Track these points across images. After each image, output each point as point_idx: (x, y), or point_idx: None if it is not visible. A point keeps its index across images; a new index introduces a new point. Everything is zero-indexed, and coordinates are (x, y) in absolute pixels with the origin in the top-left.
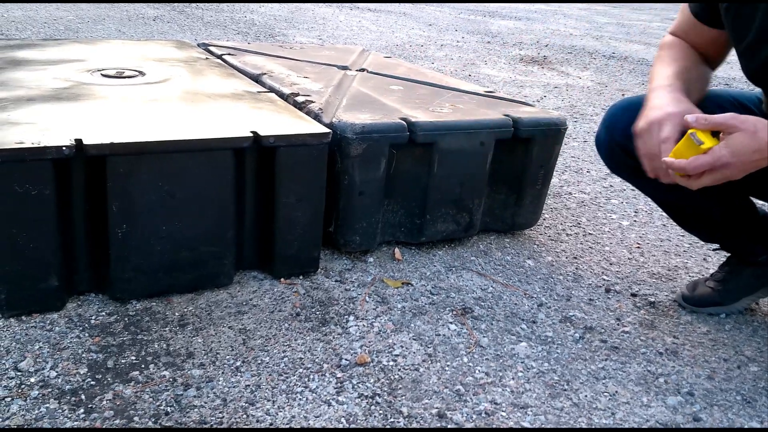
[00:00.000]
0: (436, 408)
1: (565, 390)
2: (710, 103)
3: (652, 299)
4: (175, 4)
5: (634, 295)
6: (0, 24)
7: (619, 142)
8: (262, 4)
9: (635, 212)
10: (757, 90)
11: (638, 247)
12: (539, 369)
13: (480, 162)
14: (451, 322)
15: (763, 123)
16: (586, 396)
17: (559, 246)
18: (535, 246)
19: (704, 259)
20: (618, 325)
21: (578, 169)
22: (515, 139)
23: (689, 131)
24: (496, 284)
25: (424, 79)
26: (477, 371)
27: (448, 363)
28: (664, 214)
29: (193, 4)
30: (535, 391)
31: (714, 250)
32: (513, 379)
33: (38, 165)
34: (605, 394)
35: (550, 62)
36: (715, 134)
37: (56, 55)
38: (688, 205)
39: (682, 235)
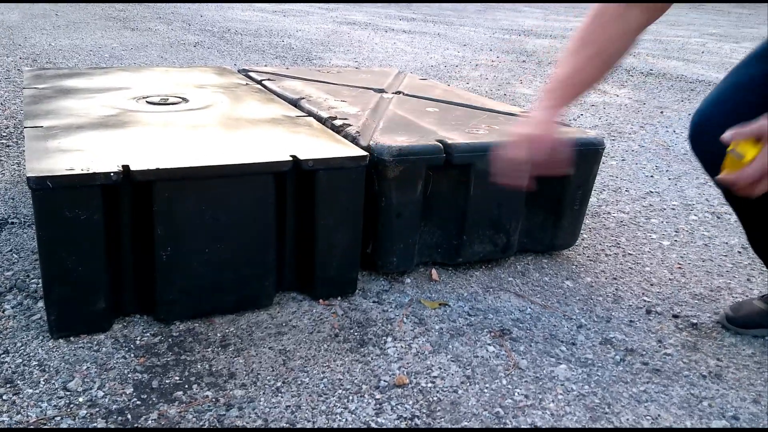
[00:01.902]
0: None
1: (606, 413)
2: (744, 78)
3: (695, 320)
4: (215, 30)
5: (675, 316)
6: (48, 52)
7: (712, 150)
8: (298, 29)
9: (676, 232)
10: None
11: (679, 268)
12: (579, 392)
13: None
14: (489, 344)
15: None
16: (627, 419)
17: (598, 267)
18: (574, 267)
19: (748, 280)
20: (660, 347)
21: (617, 188)
22: None
23: (729, 148)
24: (535, 305)
25: (459, 100)
26: (516, 393)
27: (487, 385)
28: (705, 233)
29: (232, 30)
30: (576, 414)
31: None
32: (553, 401)
33: (87, 190)
34: (647, 417)
35: None
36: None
37: (103, 83)
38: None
39: (725, 255)
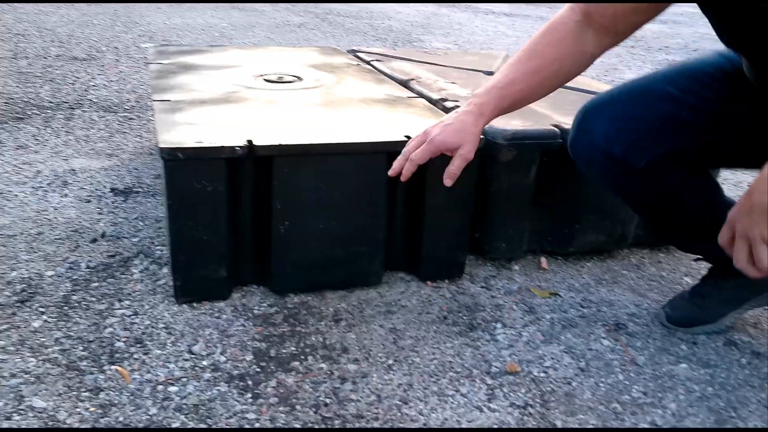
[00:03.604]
0: (592, 425)
1: (732, 417)
2: (690, 81)
3: None
4: (318, 11)
5: None
6: (163, 30)
7: (600, 146)
8: (398, 11)
9: None
10: (707, 56)
11: None
12: (702, 393)
13: None
14: (603, 337)
15: (747, 192)
16: (756, 425)
17: None
18: (693, 263)
19: None
20: None
21: (737, 182)
22: None
23: None
24: (651, 301)
25: (573, 84)
26: (634, 390)
27: (602, 379)
28: None
29: (335, 12)
30: (699, 415)
31: (695, 260)
32: (674, 401)
33: (214, 163)
34: None
35: None
36: None
37: (221, 60)
38: (670, 207)
39: None
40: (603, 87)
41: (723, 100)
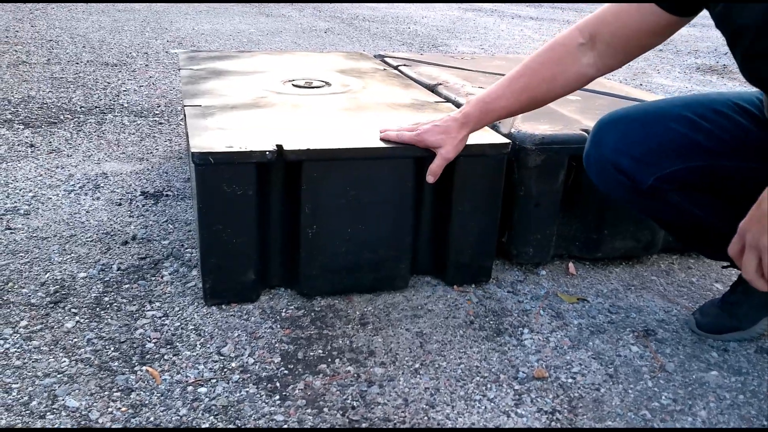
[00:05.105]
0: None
1: (765, 426)
2: (706, 110)
3: None
4: (344, 17)
5: None
6: (192, 36)
7: (610, 158)
8: (424, 15)
9: None
10: (756, 90)
11: None
12: (733, 401)
13: None
14: (632, 344)
15: (758, 202)
16: None
17: None
18: (723, 269)
19: None
20: None
21: None
22: None
23: None
24: (680, 307)
25: (601, 88)
26: (663, 397)
27: (631, 386)
28: None
29: (360, 17)
30: (730, 424)
31: (724, 267)
32: (704, 409)
33: (244, 167)
34: None
35: (730, 71)
36: None
37: (250, 66)
38: (688, 222)
39: None
40: (633, 92)
41: (739, 129)
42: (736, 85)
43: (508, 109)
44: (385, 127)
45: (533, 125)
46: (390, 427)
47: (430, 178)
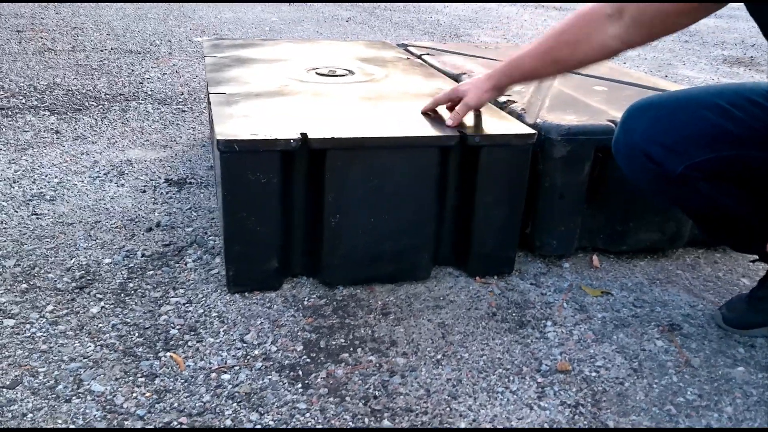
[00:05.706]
0: (645, 426)
1: None
2: (741, 98)
3: None
4: (366, 5)
5: None
6: (214, 24)
7: (639, 145)
8: (446, 4)
9: None
10: (763, 83)
11: None
12: (760, 397)
13: None
14: (657, 338)
15: None
16: None
17: None
18: (751, 263)
19: None
20: None
21: None
22: None
23: None
24: (706, 302)
25: (628, 79)
26: (689, 392)
27: (656, 380)
28: None
29: (382, 5)
30: (757, 420)
31: (752, 261)
32: (730, 405)
33: (269, 155)
34: None
35: (758, 64)
36: None
37: (274, 54)
38: (716, 212)
39: None
40: (660, 82)
41: None
42: (763, 77)
43: (534, 68)
44: (409, 115)
45: (559, 116)
46: (410, 418)
47: (449, 122)
